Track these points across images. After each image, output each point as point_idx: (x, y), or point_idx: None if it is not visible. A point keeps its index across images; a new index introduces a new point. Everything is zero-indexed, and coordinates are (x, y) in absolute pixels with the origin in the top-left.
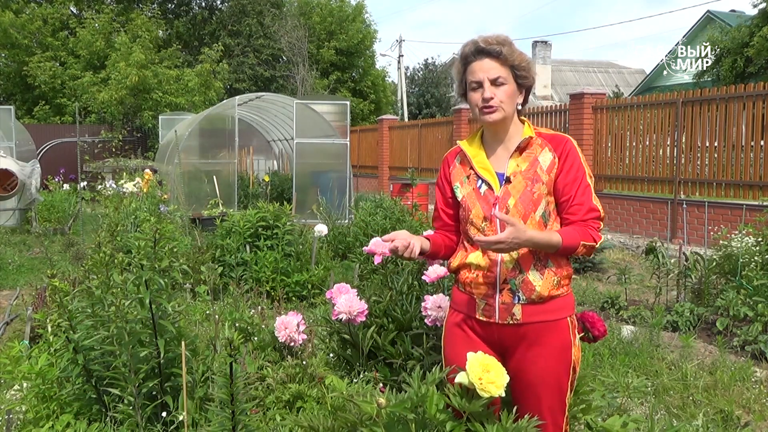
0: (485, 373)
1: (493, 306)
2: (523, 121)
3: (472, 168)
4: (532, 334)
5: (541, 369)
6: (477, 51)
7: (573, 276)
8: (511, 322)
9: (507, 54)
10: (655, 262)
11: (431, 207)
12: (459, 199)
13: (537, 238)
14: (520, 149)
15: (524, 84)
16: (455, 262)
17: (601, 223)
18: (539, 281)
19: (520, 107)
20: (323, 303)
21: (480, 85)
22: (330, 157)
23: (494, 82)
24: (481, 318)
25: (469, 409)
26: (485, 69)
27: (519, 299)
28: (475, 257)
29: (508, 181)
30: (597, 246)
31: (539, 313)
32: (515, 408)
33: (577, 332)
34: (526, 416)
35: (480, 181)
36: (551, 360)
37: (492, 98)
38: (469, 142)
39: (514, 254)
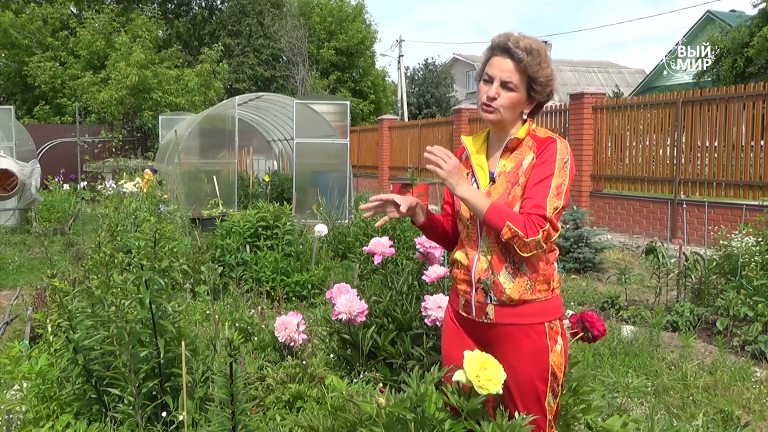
0: (483, 371)
1: (470, 303)
2: (525, 122)
3: (470, 165)
4: (506, 336)
5: (515, 371)
6: (503, 48)
7: (573, 276)
8: (485, 320)
9: (528, 63)
10: (655, 262)
11: (431, 207)
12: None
13: (468, 192)
14: (510, 149)
15: (536, 98)
16: (452, 256)
17: (547, 224)
18: (509, 284)
19: (525, 116)
20: (323, 303)
21: (491, 80)
22: (330, 157)
23: (504, 85)
24: (462, 313)
25: (467, 407)
26: (502, 68)
27: (491, 299)
28: (460, 254)
29: (493, 180)
30: (528, 241)
31: (512, 315)
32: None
33: (560, 338)
34: (521, 414)
35: (473, 179)
36: (525, 363)
37: (495, 98)
38: (474, 139)
39: (489, 255)
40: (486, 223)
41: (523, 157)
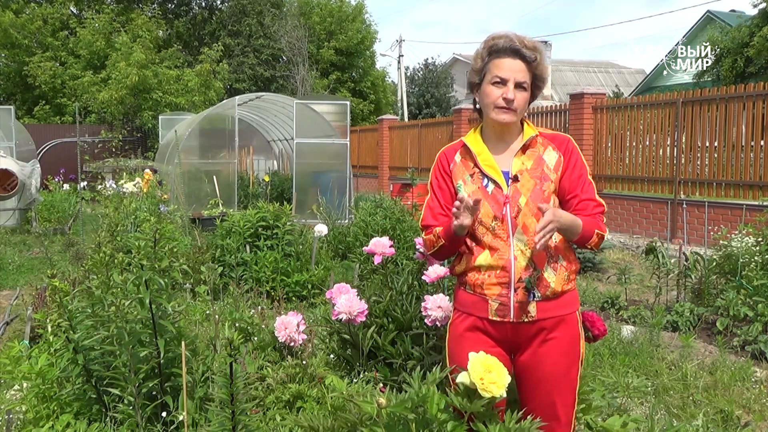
0: (487, 374)
1: (507, 305)
2: (522, 121)
3: (476, 166)
4: (546, 330)
5: (553, 363)
6: (512, 49)
7: None
8: (526, 319)
9: (539, 62)
10: (655, 262)
11: None
12: None
13: (567, 220)
14: (524, 148)
15: (536, 94)
16: (461, 266)
17: (605, 217)
18: (553, 277)
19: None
20: (323, 303)
21: (504, 82)
22: (330, 157)
23: (518, 85)
24: (494, 318)
25: (471, 409)
26: (515, 70)
27: (534, 296)
28: (485, 258)
29: (515, 179)
30: (605, 237)
31: (553, 308)
32: (524, 407)
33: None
34: (529, 417)
35: (486, 180)
36: (563, 354)
37: (513, 100)
38: (474, 139)
39: (527, 252)
40: (581, 239)
41: (539, 153)
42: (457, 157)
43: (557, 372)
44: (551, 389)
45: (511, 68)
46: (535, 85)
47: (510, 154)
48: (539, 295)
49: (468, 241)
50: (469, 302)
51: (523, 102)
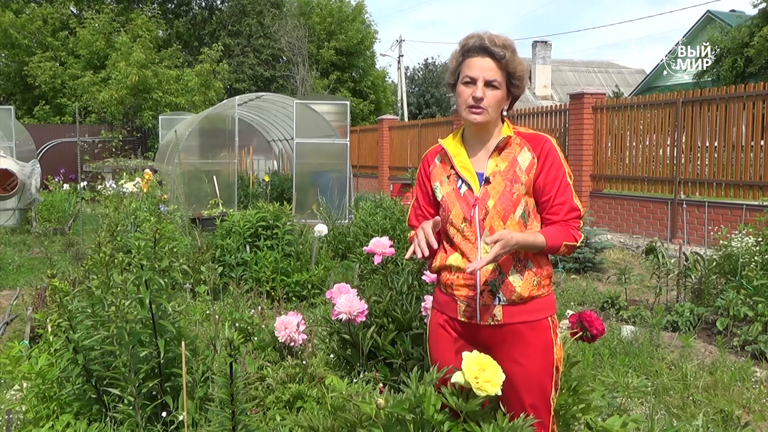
0: (481, 372)
1: (473, 307)
2: (503, 121)
3: (452, 167)
4: (513, 335)
5: (523, 369)
6: (481, 48)
7: (573, 276)
8: (492, 323)
9: (508, 60)
10: (655, 262)
11: None
12: (439, 199)
13: (523, 241)
14: (499, 149)
15: (515, 93)
16: (436, 263)
17: (581, 222)
18: (519, 282)
19: (505, 113)
20: (323, 303)
21: (474, 82)
22: (330, 157)
23: (488, 84)
24: (462, 319)
25: (466, 408)
26: (483, 69)
27: (499, 300)
28: (455, 259)
29: (487, 181)
30: (578, 245)
31: (520, 313)
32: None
33: (558, 332)
34: (522, 415)
35: (460, 181)
36: (533, 360)
37: (482, 99)
38: (452, 140)
39: None
40: (547, 251)
41: (514, 154)
42: (437, 160)
43: (528, 379)
44: (523, 395)
45: (480, 67)
46: (511, 83)
47: (486, 155)
48: (505, 299)
49: (443, 240)
50: (443, 302)
51: (495, 101)
